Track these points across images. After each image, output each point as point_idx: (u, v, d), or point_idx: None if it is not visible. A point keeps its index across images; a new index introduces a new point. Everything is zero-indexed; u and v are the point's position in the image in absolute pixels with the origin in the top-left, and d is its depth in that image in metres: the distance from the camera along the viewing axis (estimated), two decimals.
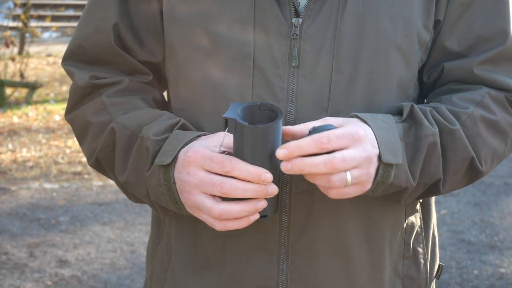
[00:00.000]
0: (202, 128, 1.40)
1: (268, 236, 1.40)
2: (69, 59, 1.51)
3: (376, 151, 1.27)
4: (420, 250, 1.50)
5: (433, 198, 1.54)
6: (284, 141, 1.26)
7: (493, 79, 1.43)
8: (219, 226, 1.27)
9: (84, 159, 7.43)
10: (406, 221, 1.47)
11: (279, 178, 1.29)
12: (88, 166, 7.12)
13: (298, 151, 1.22)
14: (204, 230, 1.43)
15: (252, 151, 1.24)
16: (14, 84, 10.43)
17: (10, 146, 7.92)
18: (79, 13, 15.34)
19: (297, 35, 1.35)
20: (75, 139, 8.25)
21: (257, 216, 1.28)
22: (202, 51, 1.39)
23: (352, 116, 1.31)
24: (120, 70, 1.48)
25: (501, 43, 1.42)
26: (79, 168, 7.12)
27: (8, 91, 10.45)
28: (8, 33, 11.09)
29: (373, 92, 1.36)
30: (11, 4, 18.34)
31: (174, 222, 1.49)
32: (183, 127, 1.39)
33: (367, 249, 1.42)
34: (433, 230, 1.55)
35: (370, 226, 1.42)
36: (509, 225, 5.65)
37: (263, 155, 1.24)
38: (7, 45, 10.57)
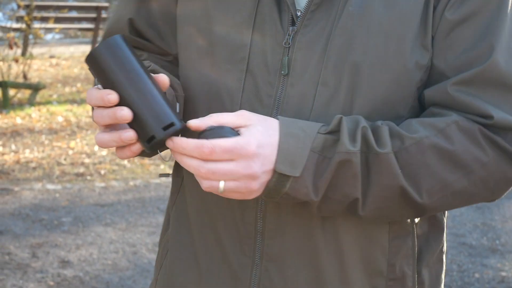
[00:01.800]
0: None
1: (245, 239, 1.40)
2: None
3: (266, 168, 1.25)
4: (409, 272, 1.42)
5: (443, 222, 1.47)
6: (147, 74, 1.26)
7: (469, 102, 1.31)
8: (117, 154, 1.30)
9: (87, 160, 7.45)
10: (391, 241, 1.40)
11: (153, 101, 1.25)
12: (91, 167, 7.15)
13: (181, 150, 1.24)
14: (194, 224, 1.47)
15: (103, 76, 1.25)
16: (17, 85, 10.46)
17: (13, 147, 7.93)
18: (82, 15, 15.35)
19: (289, 43, 1.34)
20: (78, 140, 8.29)
21: (137, 146, 1.26)
22: (201, 50, 1.41)
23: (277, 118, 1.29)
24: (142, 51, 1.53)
25: (480, 64, 1.31)
26: (81, 169, 7.13)
27: (11, 92, 10.47)
28: (12, 34, 11.12)
29: (353, 107, 1.33)
30: (14, 6, 18.36)
31: (172, 215, 1.53)
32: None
33: (338, 264, 1.38)
34: (439, 255, 1.48)
35: (341, 241, 1.38)
36: (510, 229, 5.66)
37: (112, 78, 1.24)
38: (10, 47, 10.60)
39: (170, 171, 1.57)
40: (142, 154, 1.39)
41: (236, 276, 1.42)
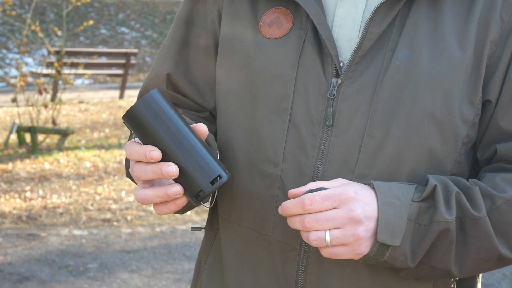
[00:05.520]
0: (234, 174, 1.42)
1: None
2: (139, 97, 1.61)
3: (368, 213, 1.27)
4: None
5: (478, 283, 1.49)
6: (185, 124, 1.26)
7: None
8: (155, 210, 1.30)
9: (114, 206, 7.47)
10: None
11: (197, 157, 1.25)
12: (117, 213, 7.16)
13: (282, 212, 1.29)
14: (230, 279, 1.45)
15: (144, 133, 1.25)
16: (46, 131, 10.55)
17: (40, 192, 7.97)
18: (112, 61, 15.53)
19: (334, 94, 1.36)
20: (105, 185, 8.32)
21: (183, 200, 1.26)
22: (242, 101, 1.42)
23: (368, 184, 1.31)
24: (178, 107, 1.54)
25: None
26: (108, 215, 7.14)
27: (40, 137, 10.56)
28: (42, 80, 11.24)
29: (401, 159, 1.35)
30: (45, 52, 18.60)
31: (206, 270, 1.51)
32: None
33: None
34: None
35: None
36: None
37: (154, 134, 1.24)
38: (40, 92, 10.70)
39: (198, 218, 1.57)
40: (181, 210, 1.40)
41: None
